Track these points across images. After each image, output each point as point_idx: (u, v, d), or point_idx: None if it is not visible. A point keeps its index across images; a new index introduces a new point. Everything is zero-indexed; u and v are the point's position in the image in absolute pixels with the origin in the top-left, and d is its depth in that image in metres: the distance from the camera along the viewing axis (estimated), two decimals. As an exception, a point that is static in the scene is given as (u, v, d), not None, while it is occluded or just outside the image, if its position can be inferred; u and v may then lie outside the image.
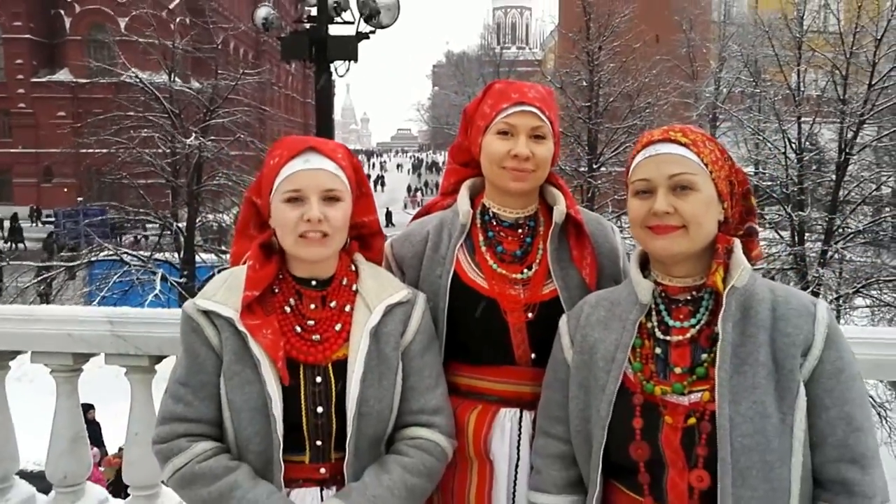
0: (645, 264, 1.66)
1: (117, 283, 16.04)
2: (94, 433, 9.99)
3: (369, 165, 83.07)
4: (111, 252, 16.55)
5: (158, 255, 17.07)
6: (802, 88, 18.06)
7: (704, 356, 1.51)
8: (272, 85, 60.66)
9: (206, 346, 1.66)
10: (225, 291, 1.69)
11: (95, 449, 9.48)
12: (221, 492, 1.57)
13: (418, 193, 55.35)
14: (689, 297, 1.58)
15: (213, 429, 1.66)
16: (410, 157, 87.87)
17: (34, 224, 40.22)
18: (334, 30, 10.07)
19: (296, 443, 1.65)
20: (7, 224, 36.31)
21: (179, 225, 17.94)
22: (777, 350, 1.46)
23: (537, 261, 1.91)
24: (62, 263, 17.00)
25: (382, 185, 61.81)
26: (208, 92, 19.72)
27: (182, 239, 17.75)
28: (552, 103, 1.92)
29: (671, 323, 1.57)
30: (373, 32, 10.27)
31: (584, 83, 21.14)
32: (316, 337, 1.69)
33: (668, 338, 1.56)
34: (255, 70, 26.67)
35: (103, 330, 2.78)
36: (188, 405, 1.65)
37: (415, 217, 2.13)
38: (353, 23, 10.20)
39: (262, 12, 11.87)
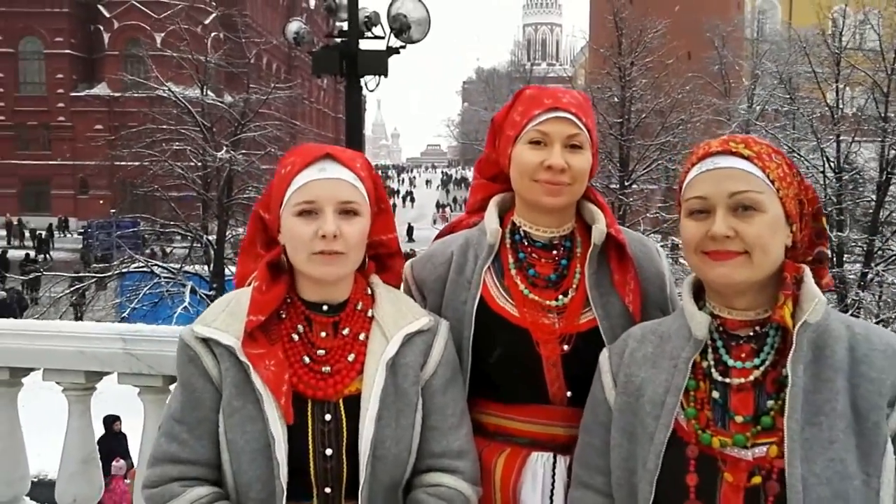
0: (699, 294, 1.47)
1: (147, 295, 16.12)
2: (121, 445, 9.94)
3: (398, 181, 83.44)
4: (142, 264, 16.66)
5: (188, 268, 17.14)
6: (841, 106, 17.66)
7: (771, 403, 1.31)
8: (303, 100, 61.33)
9: (204, 377, 1.50)
10: (226, 317, 1.53)
11: (122, 461, 9.43)
12: None
13: (447, 209, 55.30)
14: (751, 334, 1.38)
15: (210, 471, 1.50)
16: (441, 173, 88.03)
17: (62, 235, 40.88)
18: (365, 44, 10.21)
19: (301, 489, 1.47)
20: (42, 234, 37.11)
21: (209, 238, 18.02)
22: (858, 398, 1.26)
23: (574, 286, 1.73)
24: (94, 274, 17.15)
25: (412, 200, 61.94)
26: (240, 106, 19.88)
27: (212, 252, 17.82)
28: (589, 110, 1.74)
29: (731, 363, 1.37)
30: (403, 47, 10.39)
31: (616, 99, 20.95)
32: (326, 369, 1.52)
33: (727, 380, 1.36)
34: (286, 84, 26.90)
35: (116, 348, 2.69)
36: (183, 444, 1.49)
37: (438, 236, 1.96)
38: (383, 37, 10.31)
39: (294, 27, 11.99)
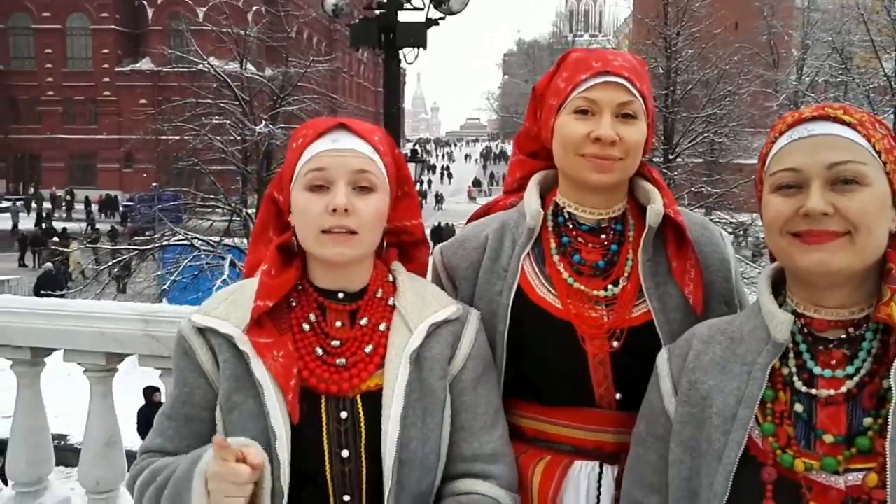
0: (776, 287, 1.25)
1: (187, 268, 16.26)
2: (160, 417, 10.07)
3: (436, 156, 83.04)
4: (182, 237, 16.79)
5: (228, 241, 17.24)
6: (901, 75, 16.91)
7: (868, 421, 1.10)
8: (343, 73, 61.21)
9: (197, 373, 1.37)
10: (228, 305, 1.38)
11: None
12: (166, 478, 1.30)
13: (481, 187, 54.63)
14: (842, 336, 1.17)
15: None
16: (484, 147, 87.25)
17: (103, 215, 41.65)
18: (403, 16, 10.20)
19: (317, 497, 1.31)
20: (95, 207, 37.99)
21: (249, 211, 18.09)
22: None
23: (626, 274, 1.52)
24: (135, 247, 17.36)
25: (449, 175, 61.52)
26: (279, 79, 19.86)
27: (251, 225, 17.89)
28: (644, 75, 1.52)
29: (818, 371, 1.16)
30: (442, 19, 10.33)
31: (661, 70, 20.35)
32: (341, 361, 1.35)
33: (813, 391, 1.15)
34: (325, 58, 26.79)
35: (137, 329, 2.62)
36: (168, 440, 1.37)
37: (471, 218, 1.76)
38: (422, 9, 10.21)
39: (332, -1, 11.81)
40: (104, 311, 2.70)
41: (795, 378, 1.17)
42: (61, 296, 16.00)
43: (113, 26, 52.31)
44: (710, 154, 22.22)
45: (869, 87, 17.93)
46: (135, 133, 36.22)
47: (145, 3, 52.37)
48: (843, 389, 1.13)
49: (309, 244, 1.35)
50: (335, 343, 1.37)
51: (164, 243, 16.55)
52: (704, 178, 20.97)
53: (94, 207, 41.96)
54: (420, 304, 1.42)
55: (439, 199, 44.42)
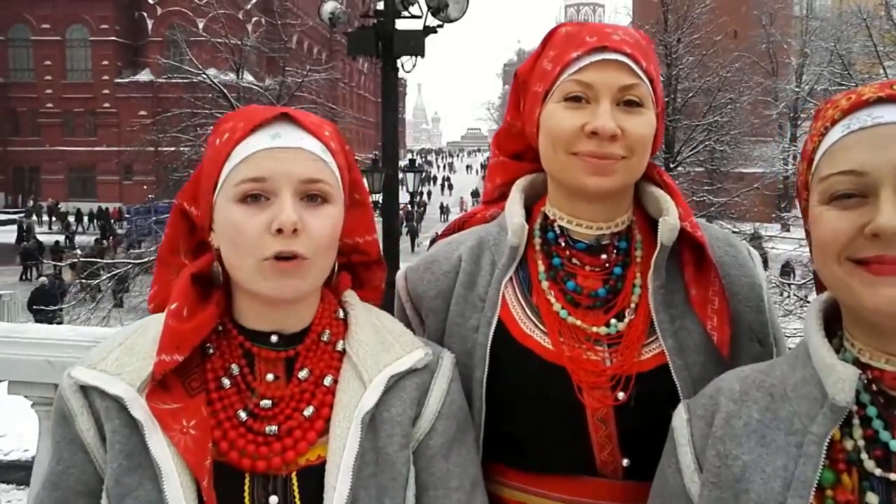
0: (829, 327, 0.96)
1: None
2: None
3: (436, 167, 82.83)
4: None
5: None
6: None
7: None
8: (343, 83, 61.15)
9: (75, 446, 1.06)
10: (122, 354, 1.07)
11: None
12: None
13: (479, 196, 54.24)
14: None
15: None
16: (484, 158, 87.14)
17: (90, 224, 41.26)
18: (401, 24, 10.26)
19: None
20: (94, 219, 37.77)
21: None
22: None
23: (632, 306, 1.22)
24: (129, 261, 17.15)
25: (450, 187, 61.21)
26: (275, 89, 19.74)
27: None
28: (651, 52, 1.22)
29: (895, 446, 0.87)
30: (440, 26, 10.32)
31: (661, 77, 20.16)
32: (272, 429, 1.05)
33: (891, 476, 0.86)
34: (323, 67, 26.72)
35: (88, 357, 2.34)
36: None
37: (442, 234, 1.46)
38: (420, 17, 10.20)
39: (329, 7, 11.81)
40: (53, 338, 2.46)
41: (865, 455, 0.88)
42: (56, 311, 15.81)
43: (113, 38, 52.61)
44: (711, 163, 22.05)
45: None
46: (133, 145, 36.21)
47: (145, 14, 52.56)
48: None
49: (243, 276, 1.04)
50: (265, 403, 1.06)
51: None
52: (706, 187, 20.78)
53: (85, 220, 41.91)
54: (377, 349, 1.12)
55: (444, 209, 44.21)
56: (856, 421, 0.90)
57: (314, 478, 1.04)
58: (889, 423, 0.88)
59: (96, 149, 52.47)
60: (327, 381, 1.09)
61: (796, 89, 29.63)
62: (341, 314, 1.17)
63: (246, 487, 1.03)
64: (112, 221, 39.89)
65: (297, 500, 1.04)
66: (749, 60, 27.23)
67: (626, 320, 1.21)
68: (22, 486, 5.97)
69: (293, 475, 1.04)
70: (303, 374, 1.09)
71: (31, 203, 48.95)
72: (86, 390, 1.06)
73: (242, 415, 1.06)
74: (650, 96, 1.20)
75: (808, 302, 1.01)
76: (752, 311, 1.25)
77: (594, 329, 1.21)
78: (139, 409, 1.02)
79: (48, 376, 2.40)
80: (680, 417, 1.03)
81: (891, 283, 0.83)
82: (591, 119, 1.16)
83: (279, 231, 1.01)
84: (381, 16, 10.05)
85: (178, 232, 1.18)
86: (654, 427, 1.09)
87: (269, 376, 1.08)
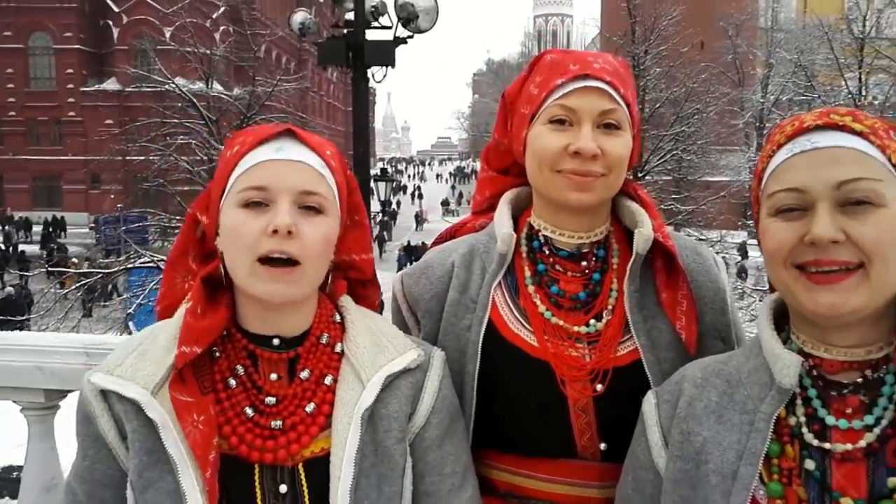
0: (779, 321, 1.10)
1: (153, 291, 15.89)
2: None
3: (406, 176, 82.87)
4: (148, 259, 16.41)
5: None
6: (864, 93, 17.21)
7: (894, 481, 0.95)
8: (312, 93, 61.02)
9: (99, 444, 1.16)
10: (135, 359, 1.16)
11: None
12: None
13: (450, 205, 54.08)
14: (858, 381, 1.01)
15: None
16: (454, 167, 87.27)
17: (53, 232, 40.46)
18: (372, 35, 10.18)
19: None
20: (50, 229, 36.97)
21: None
22: None
23: (609, 307, 1.36)
24: (99, 270, 16.92)
25: (420, 196, 61.34)
26: (245, 98, 19.66)
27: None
28: (628, 79, 1.36)
29: (830, 421, 1.01)
30: (410, 37, 10.31)
31: (630, 89, 20.51)
32: (277, 423, 1.15)
33: (826, 445, 1.00)
34: (292, 77, 26.66)
35: (78, 363, 2.40)
36: None
37: (435, 241, 1.59)
38: (390, 27, 10.18)
39: (299, 17, 11.80)
40: (42, 344, 2.48)
41: (805, 429, 1.02)
42: (23, 321, 15.54)
43: (77, 46, 51.53)
44: (679, 172, 22.44)
45: (833, 104, 18.24)
46: (101, 154, 35.69)
47: (111, 22, 51.75)
48: (862, 443, 0.98)
49: (240, 276, 1.13)
50: (269, 400, 1.16)
51: (129, 266, 16.16)
52: (673, 196, 21.14)
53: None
54: (374, 350, 1.22)
55: (419, 220, 44.23)
56: (799, 401, 1.04)
57: (319, 468, 1.14)
58: (826, 402, 1.02)
59: (62, 158, 51.47)
60: (328, 380, 1.19)
61: (762, 99, 30.22)
62: (338, 318, 1.26)
63: (256, 478, 1.13)
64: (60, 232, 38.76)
65: (304, 488, 1.14)
66: (716, 71, 27.71)
67: (604, 320, 1.35)
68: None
69: (299, 466, 1.15)
70: (304, 374, 1.19)
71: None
72: (105, 394, 1.15)
73: (249, 411, 1.15)
74: (627, 119, 1.33)
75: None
76: (716, 313, 1.40)
77: (575, 328, 1.34)
78: (154, 410, 1.11)
79: (38, 381, 2.44)
80: (649, 402, 1.17)
81: (828, 289, 0.97)
82: (573, 140, 1.29)
83: (275, 232, 1.10)
84: (352, 26, 10.03)
85: (188, 239, 1.28)
86: (628, 415, 1.23)
87: (273, 376, 1.18)
